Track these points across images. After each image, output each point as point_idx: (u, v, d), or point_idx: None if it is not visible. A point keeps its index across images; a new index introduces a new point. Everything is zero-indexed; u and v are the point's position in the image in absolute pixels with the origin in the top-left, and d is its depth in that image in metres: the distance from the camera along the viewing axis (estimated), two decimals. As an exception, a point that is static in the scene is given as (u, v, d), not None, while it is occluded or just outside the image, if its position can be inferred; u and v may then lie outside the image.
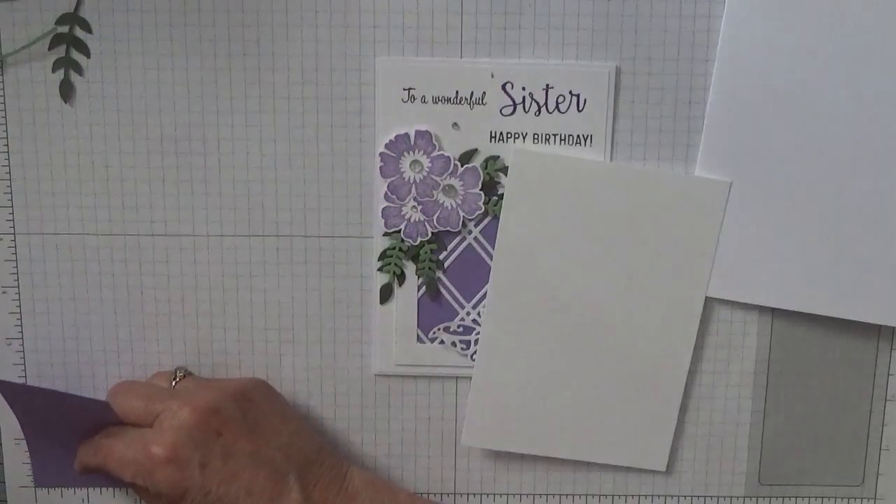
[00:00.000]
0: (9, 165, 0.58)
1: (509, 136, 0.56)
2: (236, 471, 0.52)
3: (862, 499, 0.61)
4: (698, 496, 0.61)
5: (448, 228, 0.57)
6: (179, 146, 0.57)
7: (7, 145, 0.57)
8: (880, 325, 0.58)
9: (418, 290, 0.59)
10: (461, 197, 0.57)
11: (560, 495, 0.61)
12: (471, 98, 0.56)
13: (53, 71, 0.56)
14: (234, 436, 0.53)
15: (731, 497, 0.61)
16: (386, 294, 0.59)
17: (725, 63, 0.55)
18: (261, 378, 0.59)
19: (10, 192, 0.58)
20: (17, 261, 0.59)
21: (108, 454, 0.53)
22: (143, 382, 0.59)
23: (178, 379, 0.57)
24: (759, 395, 0.60)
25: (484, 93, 0.56)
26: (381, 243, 0.58)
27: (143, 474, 0.52)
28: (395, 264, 0.58)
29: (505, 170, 0.57)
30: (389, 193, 0.57)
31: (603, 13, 0.55)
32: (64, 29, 0.56)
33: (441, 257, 0.58)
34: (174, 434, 0.52)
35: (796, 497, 0.61)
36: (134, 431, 0.54)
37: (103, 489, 0.61)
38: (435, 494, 0.62)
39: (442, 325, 0.59)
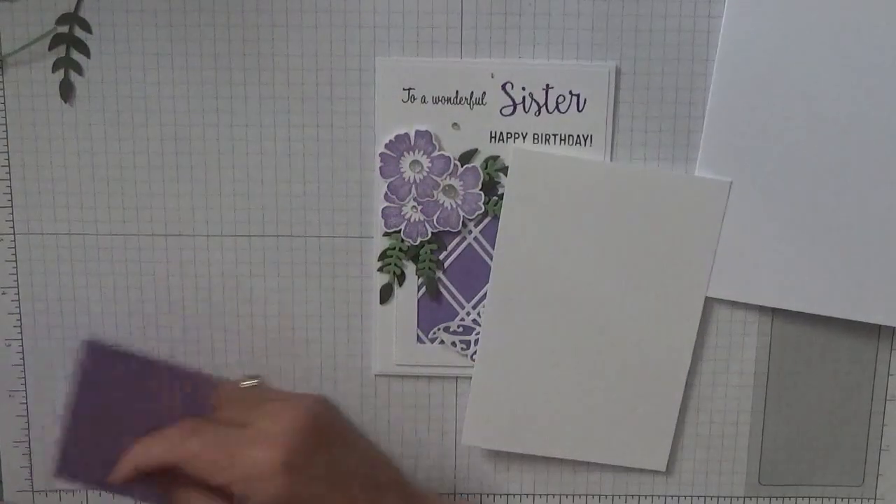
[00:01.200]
0: (9, 165, 0.58)
1: (509, 136, 0.56)
2: (342, 482, 0.48)
3: (862, 499, 0.61)
4: (698, 496, 0.61)
5: (448, 228, 0.58)
6: (179, 146, 0.57)
7: (7, 145, 0.57)
8: (880, 325, 0.58)
9: (418, 290, 0.59)
10: (461, 197, 0.57)
11: (560, 495, 0.61)
12: (471, 98, 0.56)
13: (53, 71, 0.56)
14: (336, 446, 0.48)
15: (731, 497, 0.61)
16: (386, 294, 0.59)
17: (725, 63, 0.55)
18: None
19: (10, 192, 0.58)
20: (17, 261, 0.59)
21: (195, 456, 0.47)
22: (219, 381, 0.53)
23: (253, 384, 0.52)
24: (759, 395, 0.60)
25: (484, 93, 0.56)
26: (381, 243, 0.58)
27: (247, 481, 0.46)
28: (395, 264, 0.58)
29: (505, 170, 0.57)
30: (389, 193, 0.57)
31: (603, 13, 0.55)
32: (64, 29, 0.56)
33: (441, 257, 0.58)
34: (286, 437, 0.46)
35: (796, 497, 0.61)
36: (226, 431, 0.48)
37: (103, 492, 0.61)
38: (435, 494, 0.62)
39: (442, 325, 0.59)
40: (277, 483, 0.46)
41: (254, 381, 0.52)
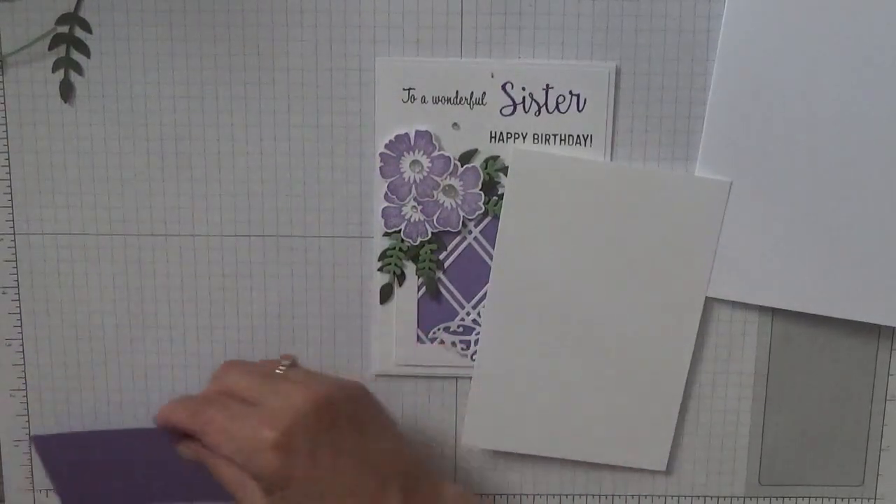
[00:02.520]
0: (9, 165, 0.58)
1: (509, 136, 0.56)
2: (343, 467, 0.50)
3: (862, 499, 0.61)
4: (698, 496, 0.61)
5: (448, 228, 0.58)
6: (179, 146, 0.57)
7: (7, 145, 0.57)
8: (880, 325, 0.58)
9: (418, 290, 0.59)
10: (461, 197, 0.57)
11: (560, 495, 0.61)
12: (471, 98, 0.56)
13: (53, 71, 0.56)
14: (344, 431, 0.50)
15: (731, 497, 0.61)
16: (386, 294, 0.59)
17: (725, 63, 0.55)
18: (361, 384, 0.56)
19: (10, 192, 0.58)
20: (17, 261, 0.59)
21: (209, 424, 0.50)
22: (256, 362, 0.57)
23: (285, 366, 0.55)
24: (759, 395, 0.60)
25: (484, 93, 0.56)
26: (381, 243, 0.58)
27: (247, 453, 0.49)
28: (395, 264, 0.58)
29: (505, 170, 0.57)
30: (389, 193, 0.57)
31: (603, 13, 0.55)
32: (64, 29, 0.56)
33: (441, 257, 0.58)
34: (287, 418, 0.49)
35: (796, 497, 0.61)
36: (240, 406, 0.51)
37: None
38: (435, 494, 0.62)
39: (442, 325, 0.59)
40: (269, 460, 0.48)
41: (286, 363, 0.55)
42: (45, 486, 0.61)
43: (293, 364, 0.56)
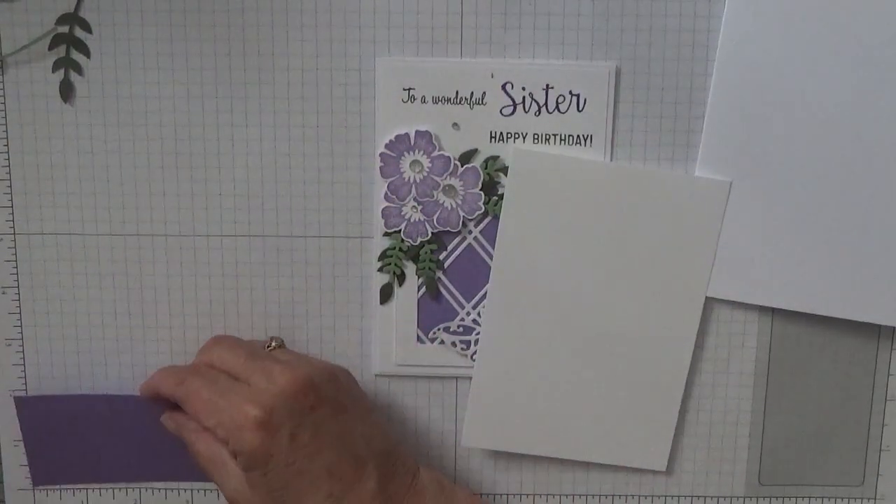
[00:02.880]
0: (9, 165, 0.58)
1: (509, 136, 0.56)
2: (322, 448, 0.51)
3: (862, 499, 0.61)
4: (698, 496, 0.61)
5: (448, 228, 0.57)
6: (179, 146, 0.57)
7: (7, 145, 0.57)
8: (880, 325, 0.58)
9: (418, 290, 0.59)
10: (461, 197, 0.57)
11: (560, 495, 0.61)
12: (471, 98, 0.56)
13: (53, 71, 0.56)
14: (325, 413, 0.51)
15: (731, 497, 0.61)
16: (386, 294, 0.59)
17: (725, 63, 0.55)
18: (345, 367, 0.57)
19: (10, 192, 0.58)
20: (17, 261, 0.59)
21: (195, 394, 0.52)
22: (244, 340, 0.58)
23: (272, 347, 0.57)
24: (759, 395, 0.60)
25: (484, 93, 0.56)
26: (381, 243, 0.58)
27: (229, 429, 0.50)
28: (395, 264, 0.58)
29: (505, 170, 0.57)
30: (389, 193, 0.57)
31: (603, 13, 0.55)
32: (64, 29, 0.56)
33: (441, 257, 0.58)
34: (272, 398, 0.50)
35: (796, 497, 0.61)
36: (227, 381, 0.52)
37: (102, 491, 0.61)
38: (435, 494, 0.62)
39: (442, 325, 0.59)
40: (251, 437, 0.49)
41: (273, 345, 0.57)
42: (44, 487, 0.61)
43: (280, 345, 0.57)
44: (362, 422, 0.53)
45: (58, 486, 0.61)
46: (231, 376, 0.53)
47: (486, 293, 0.58)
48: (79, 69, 0.57)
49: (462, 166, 0.57)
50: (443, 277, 0.58)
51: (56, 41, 0.56)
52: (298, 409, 0.51)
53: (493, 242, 0.57)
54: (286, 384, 0.51)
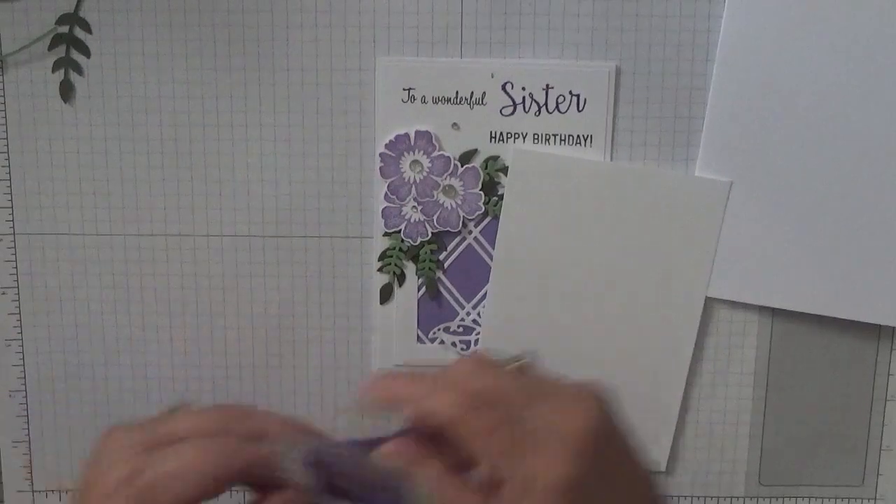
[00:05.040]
0: (9, 165, 0.58)
1: (509, 136, 0.56)
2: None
3: (862, 499, 0.61)
4: (698, 496, 0.61)
5: (448, 228, 0.57)
6: (179, 146, 0.57)
7: (7, 145, 0.57)
8: (880, 325, 0.58)
9: (418, 290, 0.59)
10: (461, 197, 0.57)
11: (560, 495, 0.61)
12: (471, 98, 0.56)
13: (53, 71, 0.56)
14: (608, 461, 0.41)
15: (731, 497, 0.61)
16: (386, 294, 0.59)
17: (725, 63, 0.55)
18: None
19: (10, 192, 0.58)
20: (16, 261, 0.59)
21: (487, 430, 0.39)
22: (491, 360, 0.44)
23: (517, 363, 0.44)
24: (759, 395, 0.60)
25: (484, 93, 0.56)
26: (381, 243, 0.58)
27: (526, 485, 0.38)
28: (395, 264, 0.58)
29: (505, 170, 0.57)
30: (389, 193, 0.57)
31: (603, 13, 0.55)
32: (64, 29, 0.56)
33: (441, 257, 0.58)
34: (576, 453, 0.39)
35: (796, 497, 0.61)
36: (522, 424, 0.40)
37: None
38: (435, 495, 0.62)
39: (442, 325, 0.59)
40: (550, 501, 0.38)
41: (519, 362, 0.45)
42: (44, 488, 0.61)
43: (527, 363, 0.45)
44: (633, 461, 0.42)
45: (57, 489, 0.61)
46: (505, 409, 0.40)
47: (486, 293, 0.58)
48: (79, 69, 0.56)
49: (462, 166, 0.57)
50: (443, 277, 0.58)
51: (56, 41, 0.56)
52: (593, 459, 0.39)
53: (493, 242, 0.57)
54: (583, 423, 0.40)
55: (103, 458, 0.42)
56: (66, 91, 0.57)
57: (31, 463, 0.61)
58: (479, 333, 0.59)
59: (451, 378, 0.41)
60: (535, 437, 0.39)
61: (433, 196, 0.57)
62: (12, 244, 0.59)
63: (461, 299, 0.59)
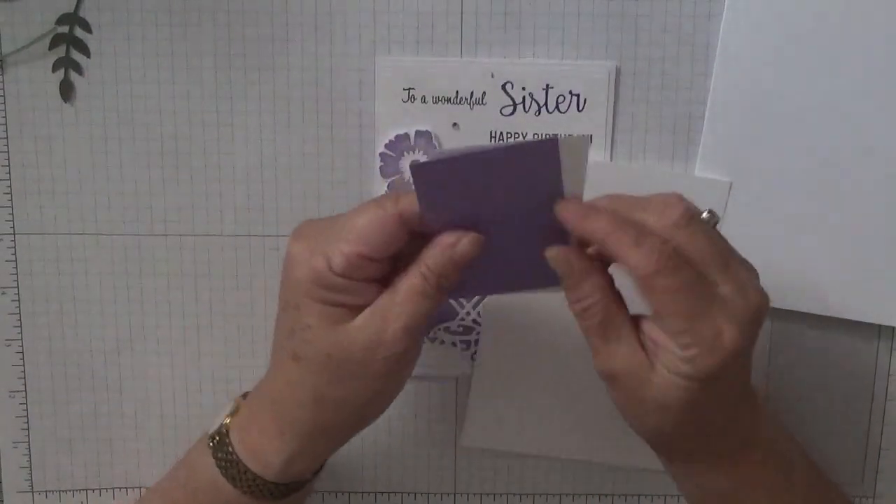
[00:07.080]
0: (9, 165, 0.58)
1: (509, 136, 0.56)
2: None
3: (862, 499, 0.61)
4: (698, 496, 0.61)
5: (448, 228, 0.57)
6: (179, 146, 0.57)
7: (7, 145, 0.57)
8: (880, 325, 0.58)
9: (418, 290, 0.58)
10: (461, 197, 0.57)
11: (560, 495, 0.61)
12: (471, 98, 0.56)
13: (53, 71, 0.56)
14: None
15: (732, 497, 0.61)
16: (386, 294, 0.59)
17: (725, 63, 0.55)
18: None
19: (10, 192, 0.58)
20: (16, 261, 0.59)
21: (673, 288, 0.42)
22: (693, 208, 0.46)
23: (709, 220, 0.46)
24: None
25: (484, 93, 0.56)
26: (381, 243, 0.58)
27: (696, 341, 0.42)
28: (395, 264, 0.58)
29: (505, 170, 0.57)
30: (389, 193, 0.57)
31: (603, 13, 0.55)
32: (64, 29, 0.56)
33: (441, 257, 0.58)
34: (750, 323, 0.43)
35: (796, 497, 0.61)
36: (703, 285, 0.43)
37: (102, 492, 0.61)
38: (435, 494, 0.62)
39: (442, 325, 0.59)
40: (712, 363, 0.42)
41: (708, 215, 0.47)
42: (44, 488, 0.61)
43: (712, 217, 0.47)
44: None
45: (57, 490, 0.61)
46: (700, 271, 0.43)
47: (486, 293, 0.58)
48: (79, 69, 0.57)
49: (462, 166, 0.57)
50: (443, 277, 0.58)
51: (56, 41, 0.56)
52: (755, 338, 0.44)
53: (493, 242, 0.57)
54: (761, 301, 0.44)
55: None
56: (66, 91, 0.57)
57: (30, 463, 0.61)
58: (479, 333, 0.59)
59: (654, 229, 0.44)
60: (724, 303, 0.43)
61: (433, 196, 0.57)
62: (12, 244, 0.59)
63: (461, 299, 0.59)
